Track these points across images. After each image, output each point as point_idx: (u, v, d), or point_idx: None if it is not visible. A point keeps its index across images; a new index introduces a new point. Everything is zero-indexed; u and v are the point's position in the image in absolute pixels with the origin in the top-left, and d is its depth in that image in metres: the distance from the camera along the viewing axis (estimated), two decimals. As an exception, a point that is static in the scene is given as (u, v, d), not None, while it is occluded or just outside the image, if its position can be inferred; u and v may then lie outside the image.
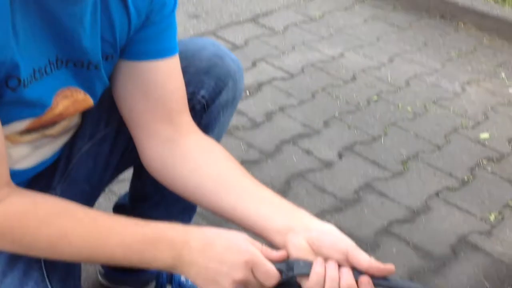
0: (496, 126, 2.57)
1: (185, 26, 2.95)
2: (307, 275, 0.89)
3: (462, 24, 3.50)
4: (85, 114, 1.15)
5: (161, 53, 1.04)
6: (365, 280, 0.87)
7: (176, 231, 0.92)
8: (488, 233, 1.95)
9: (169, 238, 0.91)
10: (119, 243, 0.91)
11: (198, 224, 1.68)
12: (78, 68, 0.97)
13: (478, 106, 2.71)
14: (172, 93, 1.07)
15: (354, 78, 2.77)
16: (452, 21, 3.49)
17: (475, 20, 3.46)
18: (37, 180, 1.13)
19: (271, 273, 0.89)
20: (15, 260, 0.98)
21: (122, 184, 1.62)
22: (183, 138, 1.07)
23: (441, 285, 1.72)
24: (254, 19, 3.15)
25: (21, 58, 0.86)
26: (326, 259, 0.89)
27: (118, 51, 1.01)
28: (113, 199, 1.64)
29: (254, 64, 2.74)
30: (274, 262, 0.90)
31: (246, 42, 2.92)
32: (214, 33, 2.96)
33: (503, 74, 3.04)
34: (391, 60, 3.00)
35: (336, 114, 2.47)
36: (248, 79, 2.55)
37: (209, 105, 1.19)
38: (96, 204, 1.32)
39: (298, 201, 1.89)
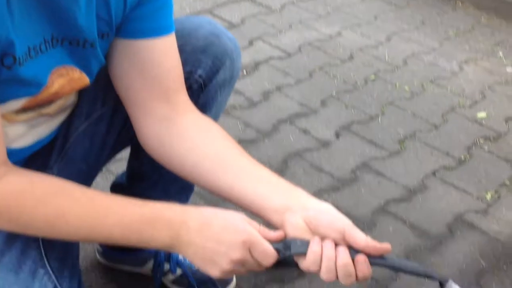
0: (493, 105, 2.57)
1: (181, 5, 2.93)
2: (304, 254, 0.90)
3: (460, 2, 3.48)
4: (82, 93, 1.14)
5: (157, 31, 1.04)
6: (361, 258, 0.88)
7: (174, 211, 0.93)
8: (485, 212, 1.96)
9: (166, 218, 0.91)
10: (117, 222, 0.91)
11: (195, 203, 1.68)
12: (74, 47, 0.96)
13: (475, 85, 2.70)
14: (169, 71, 1.06)
15: (351, 57, 2.76)
16: (450, -1, 3.48)
17: (473, -1, 3.45)
18: (34, 159, 1.13)
19: (269, 253, 0.89)
20: (12, 239, 0.98)
21: (119, 163, 1.62)
22: (180, 117, 1.07)
23: (437, 264, 1.73)
24: (251, -3, 3.13)
25: (16, 36, 0.85)
26: (323, 238, 0.90)
27: (114, 29, 1.00)
28: (111, 178, 1.64)
29: (251, 43, 2.73)
30: (272, 242, 0.90)
31: (242, 21, 2.90)
32: (210, 12, 2.94)
33: (500, 53, 3.04)
34: (388, 39, 2.98)
35: (334, 93, 2.46)
36: (245, 58, 2.54)
37: (206, 85, 1.19)
38: (94, 183, 1.32)
39: (295, 180, 1.89)
